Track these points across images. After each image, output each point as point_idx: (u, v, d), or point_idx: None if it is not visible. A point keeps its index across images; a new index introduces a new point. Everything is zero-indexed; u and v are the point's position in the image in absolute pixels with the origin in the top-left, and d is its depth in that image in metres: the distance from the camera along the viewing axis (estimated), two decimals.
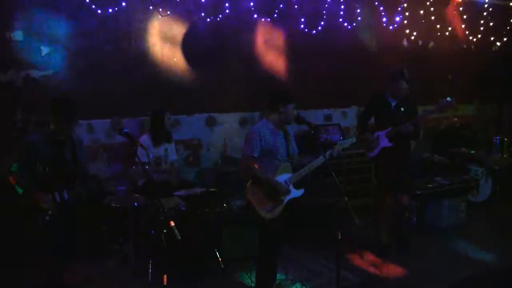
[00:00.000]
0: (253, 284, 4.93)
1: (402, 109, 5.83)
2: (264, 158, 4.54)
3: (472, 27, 10.11)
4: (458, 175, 7.79)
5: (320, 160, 4.59)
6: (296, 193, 4.65)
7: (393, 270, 5.61)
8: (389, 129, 5.80)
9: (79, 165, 4.56)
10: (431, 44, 9.76)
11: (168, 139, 6.35)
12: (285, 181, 4.57)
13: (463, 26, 9.96)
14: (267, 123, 4.66)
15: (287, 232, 4.90)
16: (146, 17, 6.64)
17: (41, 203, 4.25)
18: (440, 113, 5.97)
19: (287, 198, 4.57)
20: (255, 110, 7.64)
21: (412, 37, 9.38)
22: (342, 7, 8.28)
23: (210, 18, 7.07)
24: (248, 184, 4.52)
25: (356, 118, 6.35)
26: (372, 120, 6.19)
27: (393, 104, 5.90)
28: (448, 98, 5.68)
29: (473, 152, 8.62)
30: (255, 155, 4.49)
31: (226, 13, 7.17)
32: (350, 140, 4.92)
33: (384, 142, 5.87)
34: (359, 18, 8.47)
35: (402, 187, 6.01)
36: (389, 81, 5.90)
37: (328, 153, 4.64)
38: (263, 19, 7.55)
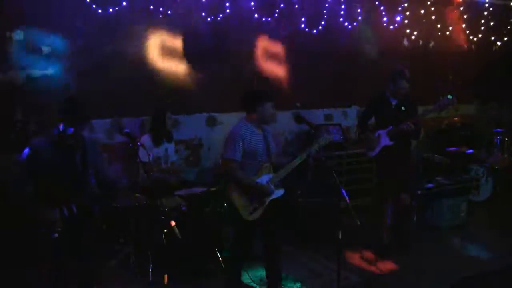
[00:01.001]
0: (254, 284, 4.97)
1: (402, 108, 5.83)
2: (245, 160, 4.51)
3: (473, 26, 10.10)
4: (459, 174, 7.80)
5: (298, 160, 4.61)
6: (277, 193, 4.64)
7: (393, 270, 5.61)
8: (391, 127, 5.81)
9: (91, 171, 4.03)
10: (432, 43, 9.76)
11: (169, 139, 6.35)
12: (267, 182, 4.56)
13: (463, 25, 9.95)
14: (246, 123, 4.62)
15: (284, 232, 4.90)
16: (147, 16, 6.63)
17: (48, 220, 3.76)
18: (441, 111, 5.99)
19: (269, 199, 4.57)
20: None
21: (413, 37, 9.38)
22: (343, 6, 8.28)
23: (210, 18, 7.06)
24: (231, 187, 4.53)
25: (357, 118, 6.36)
26: (373, 120, 6.19)
27: (394, 103, 5.91)
28: (449, 96, 5.69)
29: (473, 151, 8.62)
30: (238, 159, 4.46)
31: (227, 12, 7.16)
32: (328, 138, 4.87)
33: (385, 141, 5.88)
34: (359, 18, 8.47)
35: (402, 187, 6.01)
36: (389, 81, 5.91)
37: (305, 153, 4.62)
38: (263, 19, 7.54)
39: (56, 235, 3.75)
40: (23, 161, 3.84)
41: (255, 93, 4.71)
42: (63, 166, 3.85)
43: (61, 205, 3.81)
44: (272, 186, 4.58)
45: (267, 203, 4.55)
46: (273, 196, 4.60)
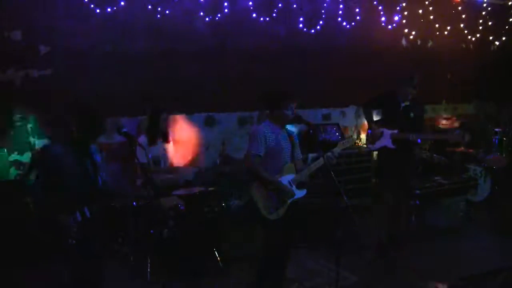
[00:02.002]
0: None
1: (411, 114, 5.85)
2: (268, 158, 4.52)
3: (471, 26, 10.11)
4: (457, 174, 7.80)
5: (321, 161, 4.58)
6: (299, 193, 4.63)
7: (393, 270, 5.61)
8: (396, 131, 5.83)
9: (99, 179, 4.09)
10: (430, 43, 9.77)
11: (166, 139, 6.32)
12: (289, 182, 4.57)
13: (462, 25, 9.96)
14: (270, 123, 4.65)
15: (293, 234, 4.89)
16: (145, 16, 6.62)
17: (62, 226, 3.75)
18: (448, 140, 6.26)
19: (291, 199, 4.56)
20: (254, 109, 7.64)
21: (411, 37, 9.39)
22: (341, 6, 8.29)
23: (209, 18, 7.06)
24: (253, 183, 4.52)
25: (363, 105, 6.40)
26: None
27: (402, 105, 5.93)
28: (459, 131, 5.80)
29: (472, 151, 8.62)
30: (261, 154, 4.48)
31: (225, 12, 7.17)
32: (351, 139, 4.91)
33: (388, 143, 5.89)
34: (358, 18, 8.47)
35: (400, 187, 6.02)
36: (397, 85, 5.95)
37: (328, 154, 4.62)
38: (262, 19, 7.54)
39: (74, 242, 3.77)
40: (34, 166, 3.88)
41: (281, 93, 4.68)
42: (76, 172, 3.89)
43: (74, 211, 3.83)
44: (294, 186, 4.58)
45: (288, 203, 4.54)
46: (295, 197, 4.59)
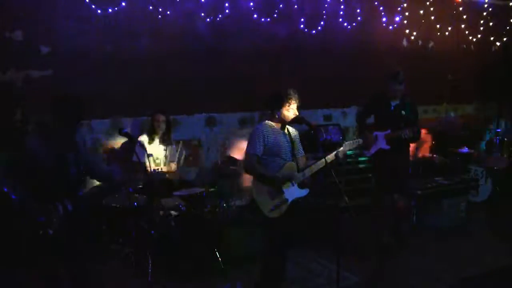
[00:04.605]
0: None
1: (403, 112, 5.84)
2: (268, 157, 4.52)
3: (472, 27, 10.11)
4: (458, 175, 7.79)
5: (323, 161, 4.56)
6: (301, 192, 4.62)
7: (393, 270, 5.61)
8: (388, 131, 5.82)
9: (83, 170, 3.97)
10: (431, 44, 9.77)
11: (166, 140, 6.32)
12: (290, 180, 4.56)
13: (463, 26, 9.96)
14: (270, 123, 4.65)
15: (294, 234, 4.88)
16: (146, 17, 6.63)
17: (42, 217, 3.67)
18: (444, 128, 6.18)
19: (291, 198, 4.54)
20: (255, 110, 7.64)
21: (412, 37, 9.39)
22: (342, 7, 8.28)
23: (210, 18, 7.07)
24: (253, 182, 4.51)
25: (356, 116, 6.39)
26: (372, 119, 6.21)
27: (393, 104, 5.92)
28: (452, 113, 5.76)
29: (472, 152, 8.63)
30: (259, 154, 4.49)
31: (226, 13, 7.17)
32: (357, 141, 4.87)
33: (382, 144, 5.89)
34: (359, 18, 8.47)
35: (398, 188, 6.02)
36: (385, 82, 5.95)
37: (332, 154, 4.61)
38: (263, 19, 7.54)
39: (51, 232, 3.68)
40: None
41: (282, 94, 4.67)
42: (57, 164, 3.78)
43: (55, 202, 3.74)
44: (295, 185, 4.56)
45: (289, 201, 4.53)
46: (297, 195, 4.58)
